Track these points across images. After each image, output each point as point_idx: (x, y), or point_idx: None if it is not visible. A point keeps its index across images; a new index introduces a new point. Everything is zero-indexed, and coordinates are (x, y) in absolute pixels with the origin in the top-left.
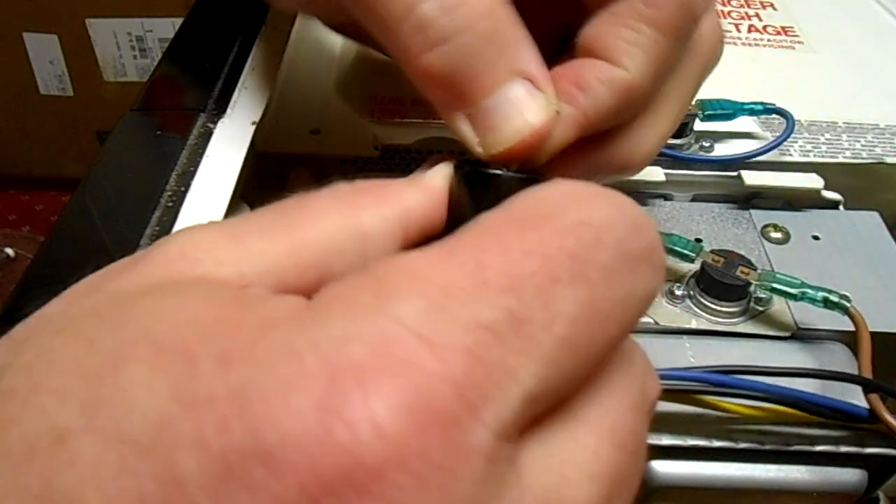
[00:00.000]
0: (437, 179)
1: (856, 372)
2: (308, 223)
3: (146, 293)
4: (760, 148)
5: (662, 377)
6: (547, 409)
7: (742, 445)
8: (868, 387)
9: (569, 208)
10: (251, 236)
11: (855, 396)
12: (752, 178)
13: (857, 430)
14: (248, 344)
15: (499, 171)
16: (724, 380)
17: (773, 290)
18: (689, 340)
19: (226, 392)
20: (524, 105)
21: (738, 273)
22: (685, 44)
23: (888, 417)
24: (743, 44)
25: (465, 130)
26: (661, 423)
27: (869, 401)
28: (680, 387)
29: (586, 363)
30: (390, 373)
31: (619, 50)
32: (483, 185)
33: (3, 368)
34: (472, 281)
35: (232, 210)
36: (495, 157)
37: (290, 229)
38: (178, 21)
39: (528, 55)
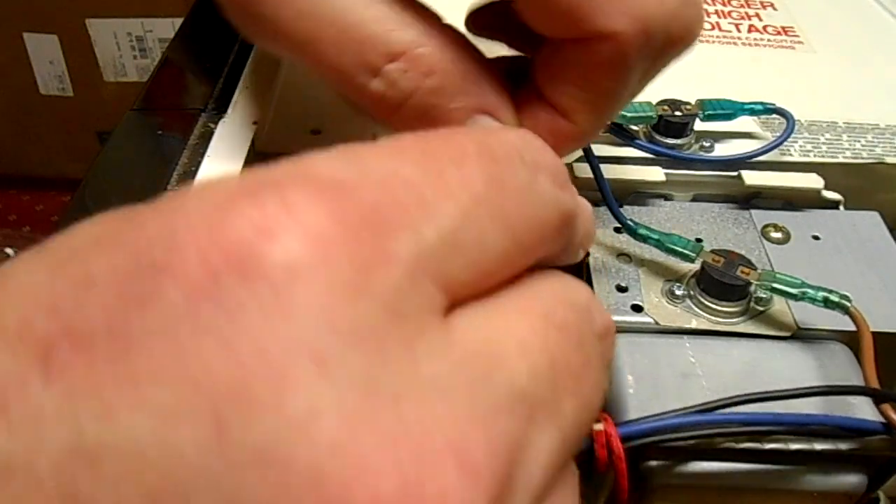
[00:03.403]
0: None
1: (857, 371)
2: None
3: None
4: (760, 148)
5: (658, 430)
6: (472, 282)
7: (742, 445)
8: (878, 397)
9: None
10: None
11: (860, 406)
12: (752, 178)
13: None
14: (172, 196)
15: None
16: (729, 418)
17: (774, 289)
18: (689, 340)
19: (152, 211)
20: None
21: (738, 273)
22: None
23: None
24: (743, 44)
25: None
26: None
27: (882, 411)
28: (682, 437)
29: (512, 235)
30: (304, 181)
31: (571, 108)
32: None
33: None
34: (392, 149)
35: None
36: None
37: None
38: (178, 21)
39: (484, 90)
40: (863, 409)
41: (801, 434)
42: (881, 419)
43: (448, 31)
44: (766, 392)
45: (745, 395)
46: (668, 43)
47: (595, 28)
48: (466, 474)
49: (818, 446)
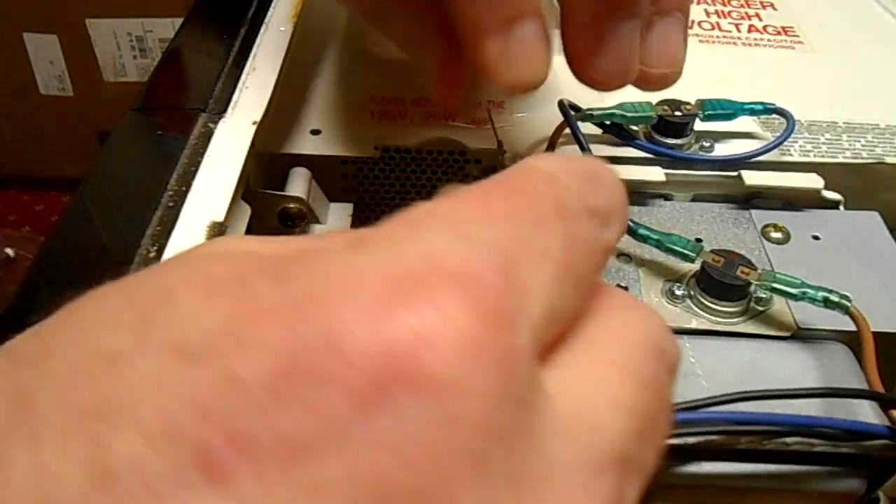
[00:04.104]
0: None
1: (857, 372)
2: None
3: None
4: (760, 148)
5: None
6: (559, 336)
7: (742, 445)
8: (884, 402)
9: (541, 167)
10: None
11: (862, 406)
12: (752, 178)
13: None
14: (301, 265)
15: None
16: (731, 417)
17: (774, 290)
18: (689, 340)
19: (287, 301)
20: (538, 47)
21: (738, 273)
22: None
23: None
24: (743, 44)
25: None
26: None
27: (889, 416)
28: (681, 433)
29: (581, 290)
30: (445, 277)
31: None
32: None
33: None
34: (485, 213)
35: (233, 210)
36: (511, 87)
37: None
38: (178, 21)
39: None
40: (864, 410)
41: (803, 436)
42: (883, 421)
43: None
44: (768, 390)
45: (747, 392)
46: None
47: None
48: None
49: (818, 447)
